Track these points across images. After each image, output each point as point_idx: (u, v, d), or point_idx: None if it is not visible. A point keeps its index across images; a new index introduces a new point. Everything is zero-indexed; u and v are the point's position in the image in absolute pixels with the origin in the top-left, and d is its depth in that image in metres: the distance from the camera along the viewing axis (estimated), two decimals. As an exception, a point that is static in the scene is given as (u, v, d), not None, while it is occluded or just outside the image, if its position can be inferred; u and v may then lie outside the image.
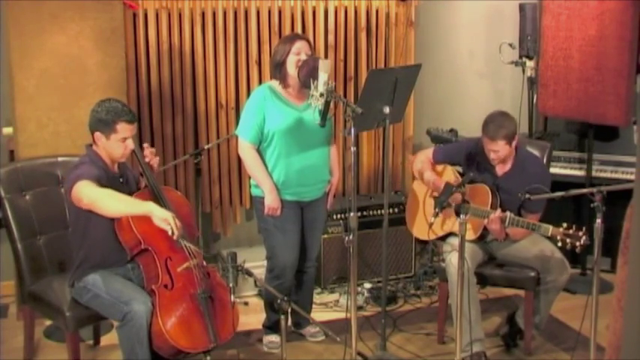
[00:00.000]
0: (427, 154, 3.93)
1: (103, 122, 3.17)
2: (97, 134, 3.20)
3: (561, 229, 3.27)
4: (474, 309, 3.51)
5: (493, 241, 3.74)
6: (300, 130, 3.62)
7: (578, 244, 3.23)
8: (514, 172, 3.66)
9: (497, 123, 3.55)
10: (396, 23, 4.97)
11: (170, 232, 2.98)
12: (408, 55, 4.99)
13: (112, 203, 3.05)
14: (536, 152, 3.95)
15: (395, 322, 4.19)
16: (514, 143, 3.59)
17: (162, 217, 2.99)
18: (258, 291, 4.54)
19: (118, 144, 3.19)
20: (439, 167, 3.91)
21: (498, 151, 3.56)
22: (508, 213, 3.46)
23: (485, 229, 3.59)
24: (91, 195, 3.03)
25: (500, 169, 3.68)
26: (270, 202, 3.64)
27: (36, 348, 3.81)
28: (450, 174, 3.86)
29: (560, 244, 3.29)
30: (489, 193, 3.60)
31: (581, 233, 3.23)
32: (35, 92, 3.97)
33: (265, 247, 3.84)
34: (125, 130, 3.17)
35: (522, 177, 3.59)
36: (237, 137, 3.74)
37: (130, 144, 3.21)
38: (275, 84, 3.68)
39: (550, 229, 3.31)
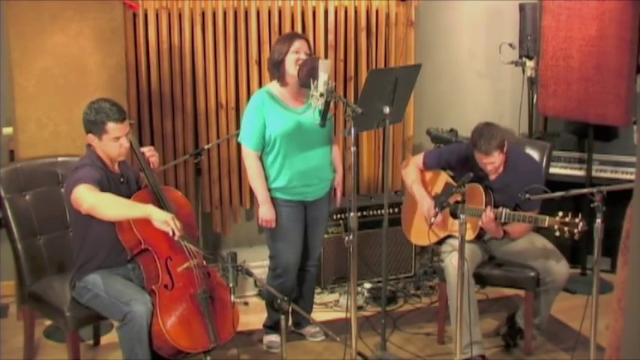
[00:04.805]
0: (417, 163, 3.89)
1: (92, 123, 3.17)
2: (90, 136, 3.20)
3: (558, 219, 3.29)
4: (472, 311, 3.51)
5: (492, 239, 3.74)
6: (301, 133, 3.62)
7: (576, 230, 3.23)
8: (507, 173, 3.65)
9: (486, 137, 3.52)
10: (396, 23, 4.96)
11: (171, 234, 2.99)
12: (408, 55, 4.99)
13: (111, 207, 3.05)
14: (536, 152, 3.95)
15: (395, 322, 4.19)
16: (505, 148, 3.59)
17: (162, 220, 2.99)
18: (258, 291, 4.55)
19: (111, 144, 3.18)
20: (434, 171, 3.90)
21: (494, 162, 3.57)
22: (502, 209, 3.46)
23: (482, 228, 3.59)
24: (90, 200, 3.03)
25: (493, 173, 3.68)
26: (264, 213, 3.66)
27: (36, 348, 3.81)
28: (446, 178, 3.85)
29: (558, 233, 3.29)
30: (482, 192, 3.60)
31: (577, 220, 3.24)
32: (35, 92, 3.97)
33: (268, 245, 3.84)
34: (115, 129, 3.16)
35: (515, 177, 3.59)
36: (237, 138, 3.75)
37: (125, 142, 3.20)
38: (273, 87, 3.67)
39: (547, 219, 3.33)
